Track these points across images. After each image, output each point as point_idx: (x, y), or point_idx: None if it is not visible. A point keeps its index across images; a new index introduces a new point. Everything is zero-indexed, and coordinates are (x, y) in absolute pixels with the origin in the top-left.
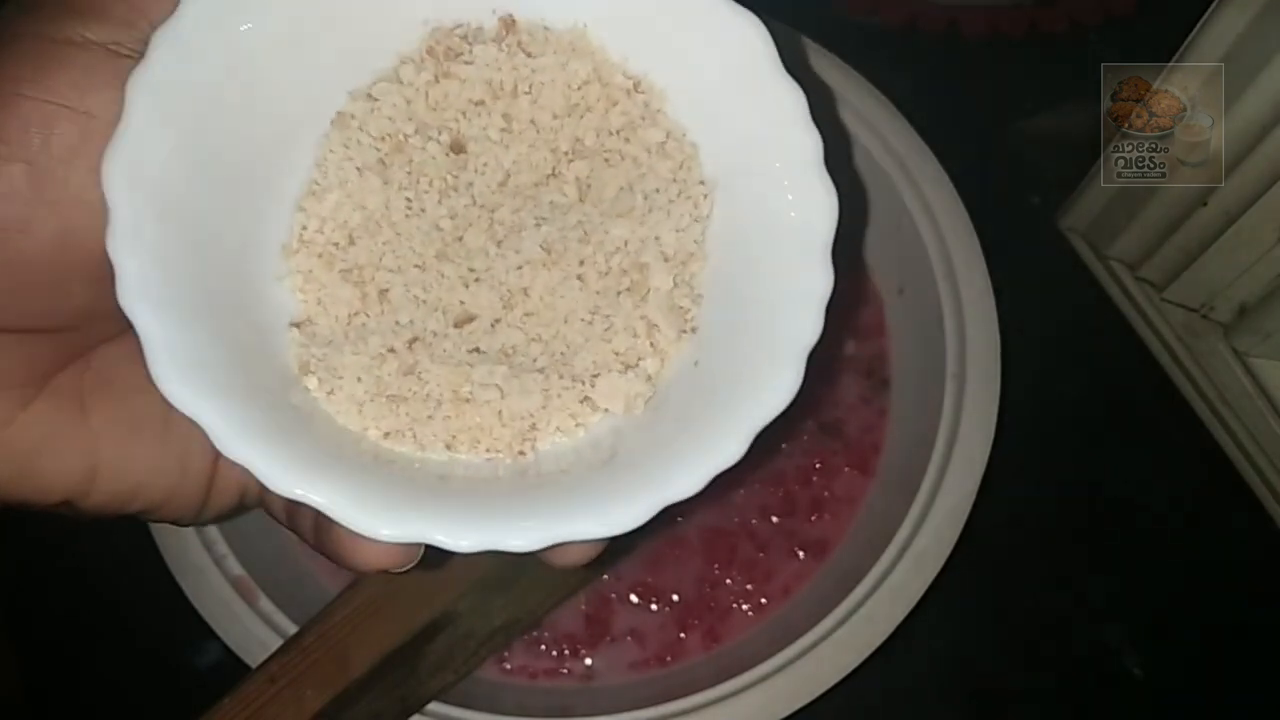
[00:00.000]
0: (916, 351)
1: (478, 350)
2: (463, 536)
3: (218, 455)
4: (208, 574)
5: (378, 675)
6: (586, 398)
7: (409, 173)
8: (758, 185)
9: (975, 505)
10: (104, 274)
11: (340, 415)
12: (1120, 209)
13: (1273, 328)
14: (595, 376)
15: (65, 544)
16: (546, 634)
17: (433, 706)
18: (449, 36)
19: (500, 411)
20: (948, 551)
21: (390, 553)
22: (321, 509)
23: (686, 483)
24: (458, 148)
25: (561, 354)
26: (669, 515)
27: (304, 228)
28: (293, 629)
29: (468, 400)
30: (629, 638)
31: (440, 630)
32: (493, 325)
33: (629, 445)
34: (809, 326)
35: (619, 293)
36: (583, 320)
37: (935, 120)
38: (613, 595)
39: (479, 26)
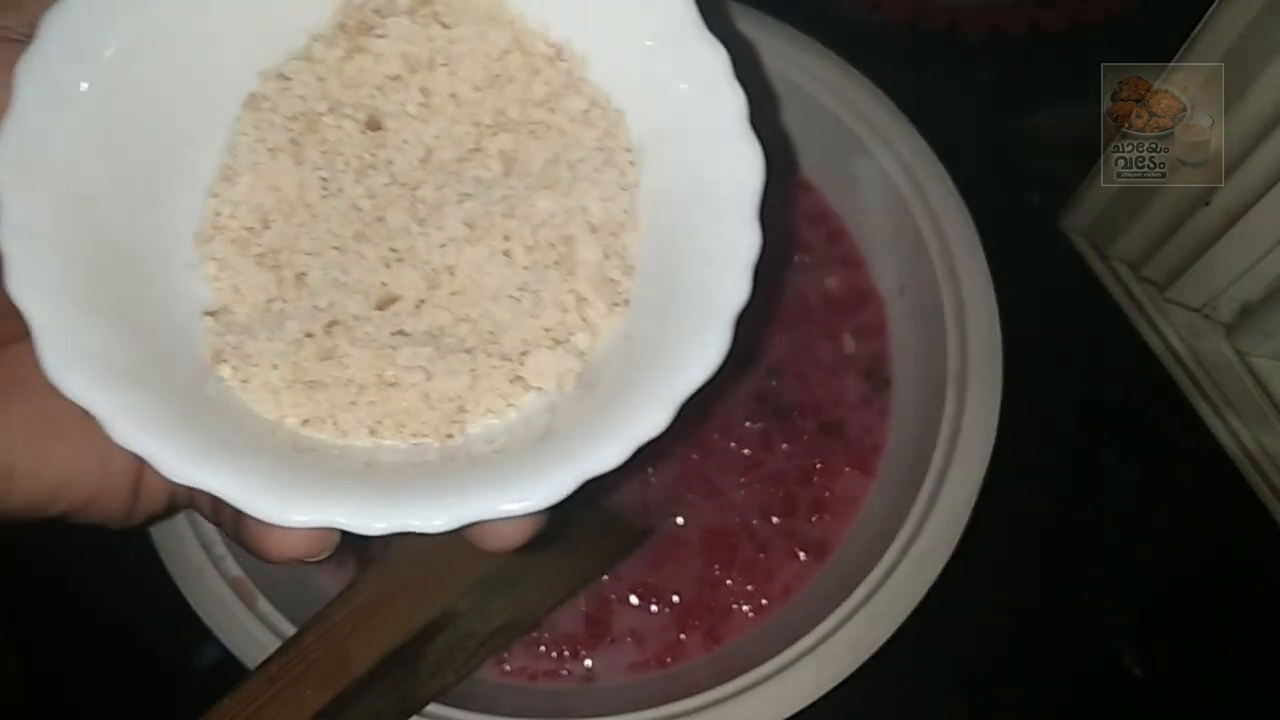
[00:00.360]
0: (917, 351)
1: (402, 333)
2: (375, 518)
3: None
4: (206, 575)
5: (378, 675)
6: (517, 376)
7: (324, 152)
8: (683, 147)
9: (976, 505)
10: None
11: (255, 404)
12: (1121, 209)
13: (1274, 327)
14: (524, 354)
15: (65, 544)
16: (546, 635)
17: (432, 708)
18: (361, 10)
19: (426, 394)
20: (949, 552)
21: (300, 540)
22: (217, 494)
23: (607, 455)
24: (374, 125)
25: (490, 333)
26: (652, 509)
27: (217, 214)
28: (291, 630)
29: (392, 384)
30: (629, 639)
31: (440, 630)
32: (418, 306)
33: (562, 422)
34: (735, 289)
35: (547, 267)
36: (510, 297)
37: (935, 120)
38: (613, 596)
39: None
